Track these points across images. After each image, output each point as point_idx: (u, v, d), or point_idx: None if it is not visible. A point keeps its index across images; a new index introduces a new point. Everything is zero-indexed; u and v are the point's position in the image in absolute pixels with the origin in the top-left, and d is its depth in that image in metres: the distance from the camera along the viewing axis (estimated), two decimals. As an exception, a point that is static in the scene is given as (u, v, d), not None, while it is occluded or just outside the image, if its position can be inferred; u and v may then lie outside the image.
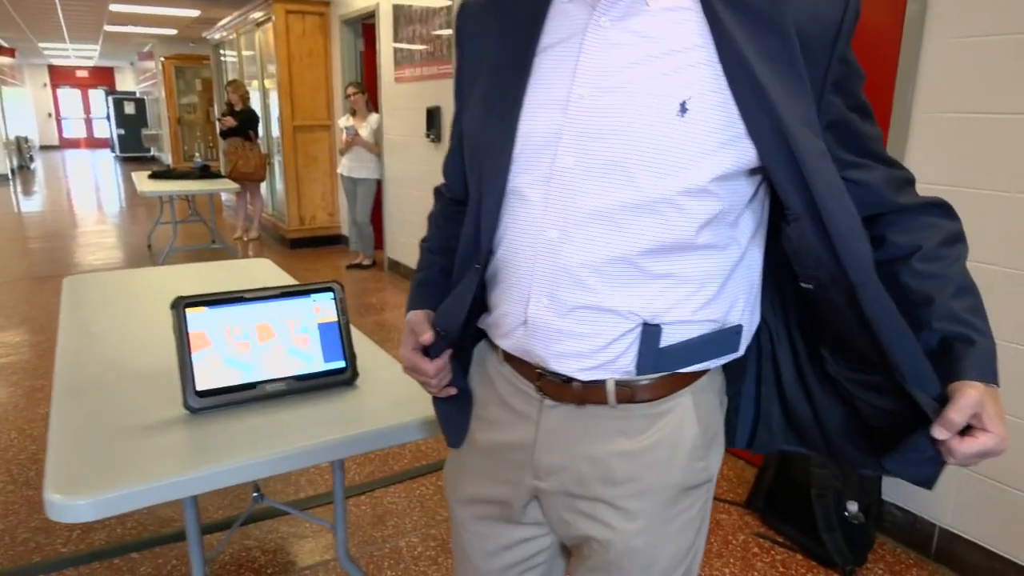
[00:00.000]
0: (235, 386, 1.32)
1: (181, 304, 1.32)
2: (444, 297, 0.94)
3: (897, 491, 2.23)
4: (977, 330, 0.76)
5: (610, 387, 0.82)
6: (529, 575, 0.97)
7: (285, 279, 2.24)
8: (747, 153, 0.74)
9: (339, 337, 1.41)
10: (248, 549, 2.16)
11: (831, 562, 2.11)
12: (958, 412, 0.71)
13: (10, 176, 12.71)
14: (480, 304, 0.90)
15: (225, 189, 5.75)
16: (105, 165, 15.24)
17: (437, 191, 1.06)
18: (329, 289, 1.44)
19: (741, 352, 0.86)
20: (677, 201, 0.74)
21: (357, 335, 1.63)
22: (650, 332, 0.79)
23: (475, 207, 0.85)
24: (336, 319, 1.42)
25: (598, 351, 0.80)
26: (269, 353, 1.36)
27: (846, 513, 2.10)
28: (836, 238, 0.72)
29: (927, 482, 0.77)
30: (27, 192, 10.58)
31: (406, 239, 5.55)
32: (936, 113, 2.01)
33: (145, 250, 6.55)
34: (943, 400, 0.73)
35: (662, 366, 0.81)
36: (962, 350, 0.75)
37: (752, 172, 0.77)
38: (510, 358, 0.89)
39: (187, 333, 1.30)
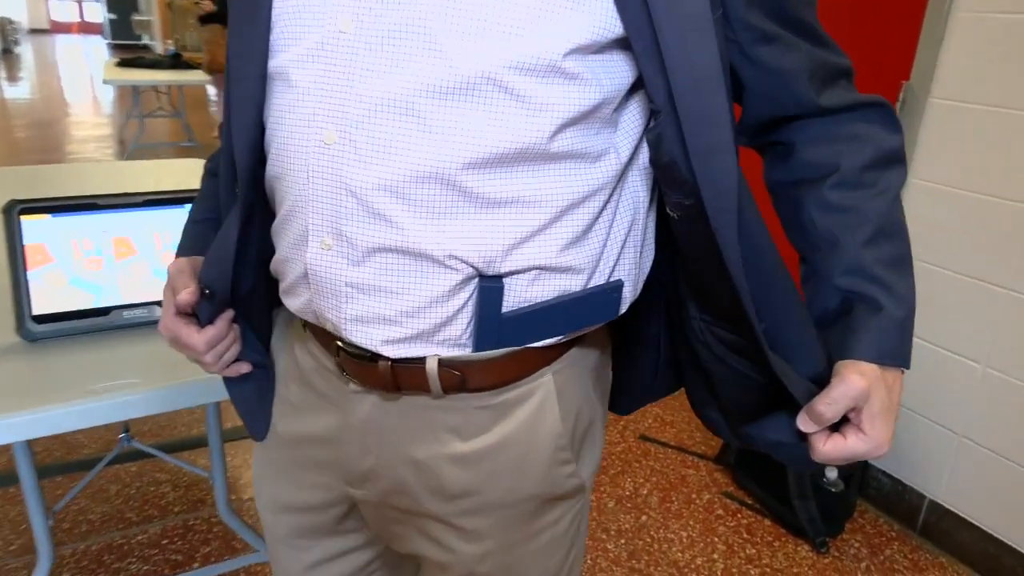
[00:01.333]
0: (82, 311, 1.22)
1: (15, 209, 1.20)
2: None
3: (887, 457, 2.13)
4: (888, 291, 0.63)
5: (431, 369, 0.65)
6: None
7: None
8: (607, 15, 0.57)
9: None
10: (114, 495, 2.11)
11: (802, 531, 2.02)
12: (828, 405, 0.61)
13: (-9, 60, 12.59)
14: (252, 242, 0.74)
15: (194, 82, 5.57)
16: (98, 53, 15.01)
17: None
18: None
19: (619, 314, 0.71)
20: (510, 82, 0.56)
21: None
22: (487, 290, 0.62)
23: (227, 100, 0.68)
24: None
25: (410, 315, 0.63)
26: (127, 273, 1.25)
27: (824, 480, 2.00)
28: (689, 146, 0.58)
29: (797, 464, 0.68)
30: (12, 79, 10.45)
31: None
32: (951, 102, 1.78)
33: (117, 145, 6.45)
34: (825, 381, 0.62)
35: (507, 339, 0.64)
36: (862, 317, 0.63)
37: (626, 46, 0.60)
38: (311, 325, 0.74)
39: (22, 245, 1.19)
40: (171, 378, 1.09)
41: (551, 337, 0.67)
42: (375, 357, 0.65)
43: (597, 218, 0.64)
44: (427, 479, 0.70)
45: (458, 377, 0.65)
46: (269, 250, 0.72)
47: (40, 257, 1.20)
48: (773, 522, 2.10)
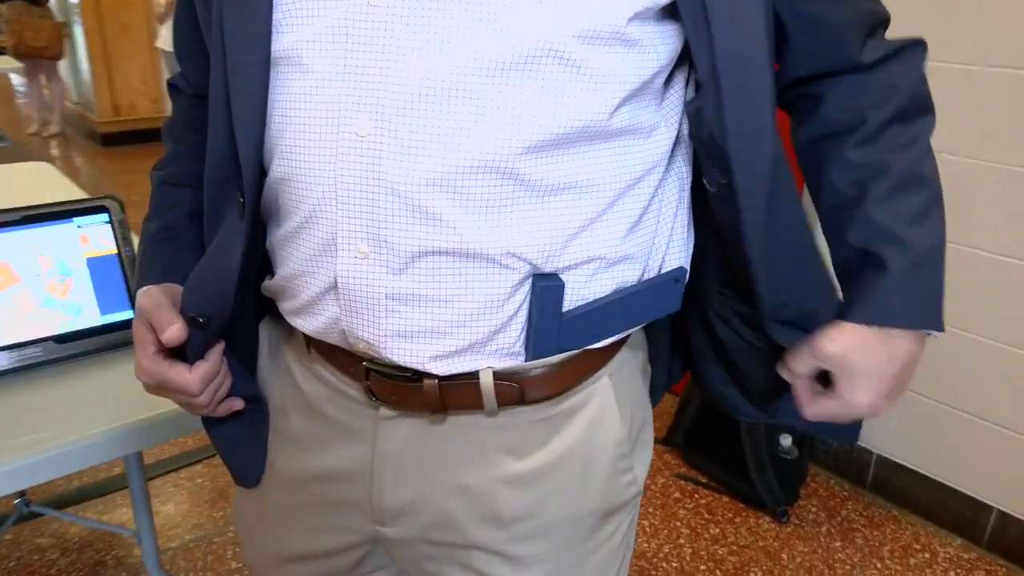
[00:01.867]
0: (-43, 358, 0.98)
1: None
2: (199, 258, 0.70)
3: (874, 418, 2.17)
4: (902, 247, 0.62)
5: (486, 383, 0.62)
6: None
7: (68, 192, 1.84)
8: None
9: (122, 276, 1.11)
10: (18, 559, 1.84)
11: (761, 503, 2.04)
12: (796, 361, 0.66)
13: None
14: (256, 258, 0.68)
15: (4, 69, 4.96)
16: None
17: (172, 86, 0.81)
18: (101, 209, 1.12)
19: (679, 306, 0.70)
20: (573, 53, 0.53)
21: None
22: (547, 289, 0.59)
23: (221, 94, 0.61)
24: (115, 251, 1.11)
25: (460, 324, 0.59)
26: (11, 306, 1.04)
27: (779, 448, 2.02)
28: (728, 124, 0.58)
29: (846, 438, 0.73)
30: None
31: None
32: None
33: (-95, 150, 5.68)
34: None
35: (566, 342, 0.62)
36: (865, 279, 0.64)
37: (674, 14, 0.59)
38: (318, 344, 0.68)
39: None
40: (86, 427, 0.92)
41: (612, 335, 0.66)
42: (417, 376, 0.62)
43: (651, 200, 0.64)
44: (479, 507, 0.66)
45: (515, 390, 0.63)
46: (266, 268, 0.69)
47: None
48: (731, 498, 2.11)
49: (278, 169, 0.60)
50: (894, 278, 0.62)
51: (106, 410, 0.95)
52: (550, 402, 0.65)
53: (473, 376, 0.62)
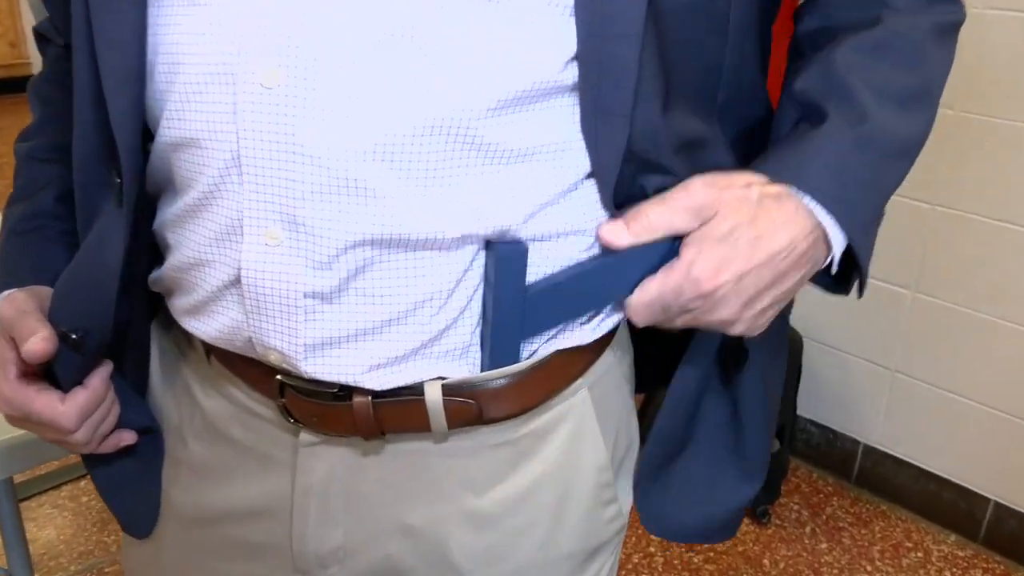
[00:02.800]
0: None
1: None
2: (72, 254, 0.63)
3: (814, 405, 2.16)
4: (851, 107, 0.55)
5: (433, 399, 0.56)
6: None
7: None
8: None
9: None
10: None
11: (739, 502, 1.96)
12: (651, 209, 0.54)
13: None
14: (143, 253, 0.62)
15: None
16: None
17: (38, 34, 0.73)
18: None
19: None
20: None
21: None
22: (507, 254, 0.53)
23: (84, 44, 0.54)
24: None
25: (401, 323, 0.53)
26: None
27: (759, 440, 1.94)
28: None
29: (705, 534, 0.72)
30: None
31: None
32: None
33: None
34: None
35: (535, 328, 0.56)
36: (795, 132, 0.58)
37: None
38: (219, 353, 0.62)
39: None
40: None
41: (590, 315, 0.58)
42: (346, 392, 0.56)
43: None
44: (427, 552, 0.61)
45: (470, 407, 0.56)
46: (156, 261, 0.62)
47: None
48: (706, 497, 2.04)
49: (168, 131, 0.53)
50: (827, 135, 0.55)
51: None
52: (515, 421, 0.59)
53: (416, 390, 0.55)
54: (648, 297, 0.54)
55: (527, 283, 0.54)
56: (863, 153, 0.55)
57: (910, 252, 1.88)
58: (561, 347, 0.58)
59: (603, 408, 0.63)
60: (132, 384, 0.68)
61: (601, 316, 0.59)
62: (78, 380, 0.61)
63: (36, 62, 6.16)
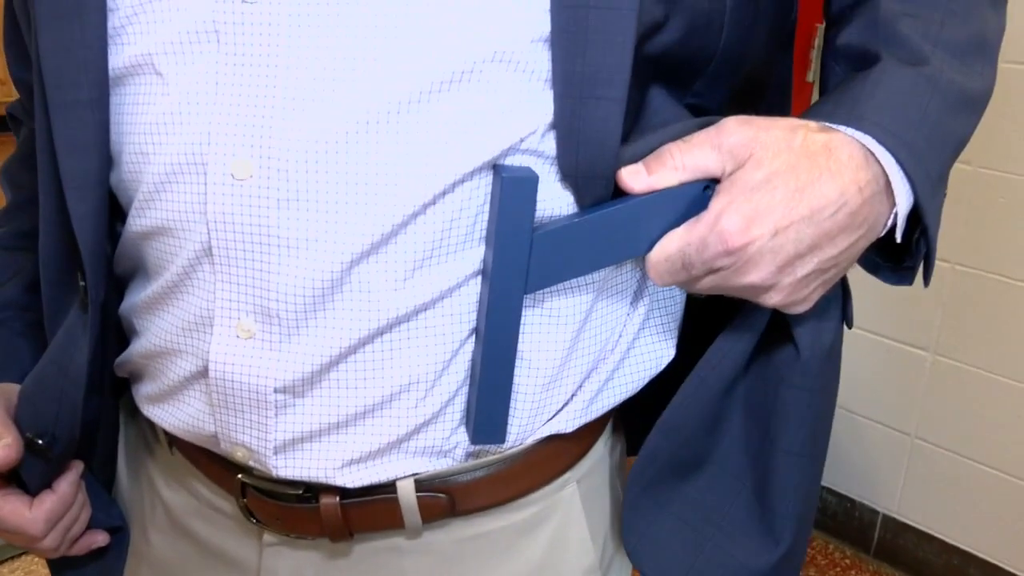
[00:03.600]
0: None
1: None
2: (40, 348, 0.63)
3: (830, 472, 2.15)
4: (906, 51, 0.50)
5: (406, 497, 0.55)
6: None
7: None
8: None
9: None
10: None
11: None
12: (684, 147, 0.48)
13: None
14: (109, 356, 0.62)
15: None
16: None
17: (12, 118, 0.74)
18: None
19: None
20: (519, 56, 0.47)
21: None
22: (514, 191, 0.48)
23: (46, 144, 0.54)
24: None
25: (379, 413, 0.52)
26: None
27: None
28: None
29: None
30: None
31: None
32: None
33: None
34: None
35: (541, 281, 0.50)
36: (846, 80, 0.52)
37: None
38: (181, 444, 0.61)
39: None
40: None
41: (581, 397, 0.56)
42: (311, 493, 0.55)
43: None
44: None
45: (441, 501, 0.55)
46: (123, 344, 0.62)
47: None
48: None
49: (138, 219, 0.53)
50: (884, 71, 0.49)
51: None
52: (494, 512, 0.57)
53: (388, 488, 0.54)
54: (669, 250, 0.48)
55: (534, 221, 0.49)
56: (925, 93, 0.48)
57: (928, 312, 1.89)
58: (543, 435, 0.56)
59: (592, 505, 0.61)
60: (101, 479, 0.68)
61: (588, 398, 0.57)
62: (46, 483, 0.61)
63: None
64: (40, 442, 0.59)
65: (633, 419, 0.66)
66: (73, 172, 0.52)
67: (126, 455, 0.70)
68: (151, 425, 0.64)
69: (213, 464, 0.59)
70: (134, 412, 0.66)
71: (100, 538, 0.66)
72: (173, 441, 0.62)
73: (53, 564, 0.69)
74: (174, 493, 0.64)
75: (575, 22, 0.45)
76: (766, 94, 0.59)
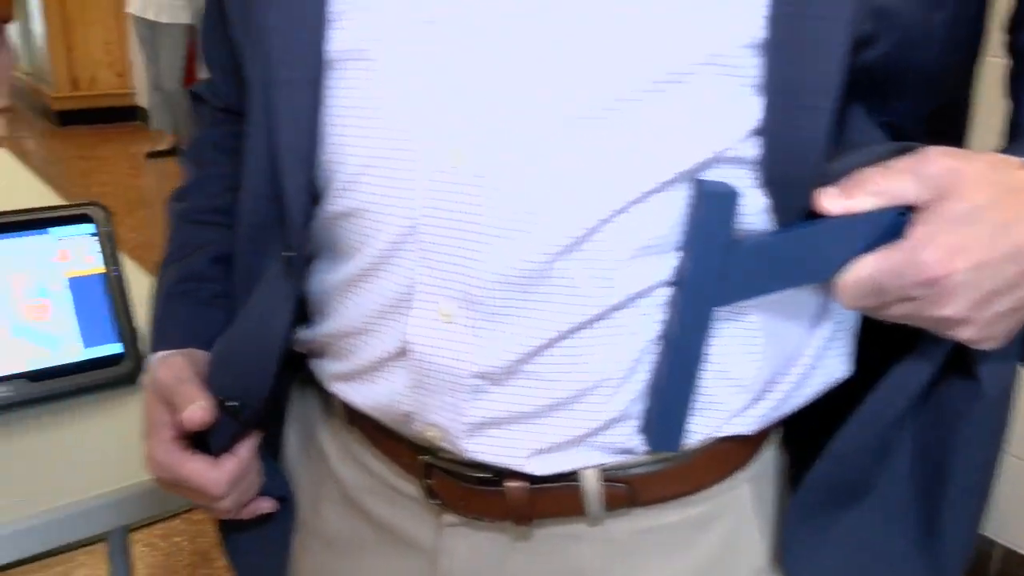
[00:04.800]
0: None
1: None
2: (229, 318, 0.68)
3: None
4: None
5: (590, 484, 0.57)
6: None
7: (31, 184, 1.83)
8: None
9: (108, 301, 1.09)
10: None
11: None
12: (883, 175, 0.49)
13: None
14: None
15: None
16: None
17: (195, 96, 0.79)
18: (84, 218, 1.10)
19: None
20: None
21: (143, 289, 1.27)
22: (713, 204, 0.50)
23: (260, 117, 0.59)
24: (102, 269, 1.10)
25: (573, 406, 0.55)
26: None
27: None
28: None
29: None
30: None
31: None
32: None
33: None
34: None
35: (730, 295, 0.53)
36: None
37: None
38: (363, 422, 0.64)
39: None
40: (62, 494, 0.88)
41: (760, 403, 0.58)
42: (498, 477, 0.57)
43: None
44: None
45: (623, 491, 0.58)
46: (301, 322, 0.65)
47: None
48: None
49: (337, 201, 0.57)
50: None
51: (88, 471, 0.92)
52: (670, 506, 0.59)
53: (572, 476, 0.57)
54: (862, 274, 0.49)
55: (730, 233, 0.51)
56: None
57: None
58: (722, 435, 0.58)
59: (762, 508, 0.63)
60: (269, 449, 0.72)
61: (770, 406, 0.59)
62: (227, 447, 0.66)
63: (141, 92, 6.55)
64: (233, 404, 0.64)
65: (795, 431, 0.67)
66: (289, 146, 0.57)
67: (295, 432, 0.74)
68: (326, 399, 0.69)
69: (394, 443, 0.62)
70: (303, 385, 0.72)
71: (266, 504, 0.71)
72: (353, 418, 0.66)
73: (224, 525, 0.74)
74: (348, 470, 0.67)
75: (792, 29, 0.47)
76: (956, 116, 0.61)
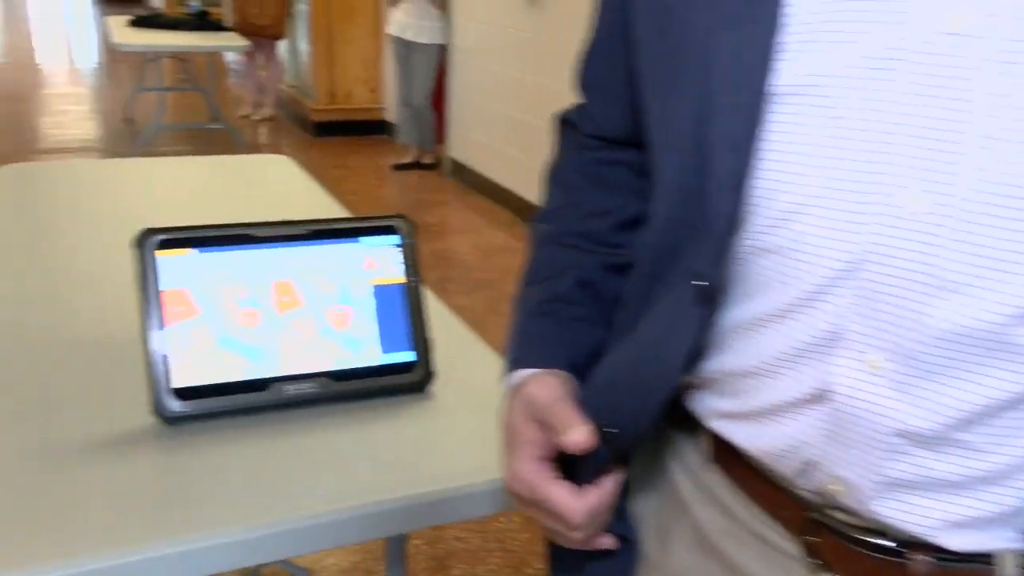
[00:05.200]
0: (235, 383, 1.08)
1: (150, 241, 1.07)
2: (594, 341, 0.69)
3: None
4: None
5: (1008, 569, 0.53)
6: None
7: (311, 189, 1.96)
8: None
9: (405, 311, 1.16)
10: None
11: None
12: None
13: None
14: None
15: (231, 47, 5.60)
16: (79, 6, 15.42)
17: (564, 122, 0.81)
18: (391, 229, 1.17)
19: None
20: None
21: (433, 303, 1.34)
22: None
23: (686, 143, 0.58)
24: (403, 279, 1.16)
25: (1002, 481, 0.52)
26: (291, 332, 1.11)
27: None
28: None
29: None
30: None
31: (479, 134, 5.40)
32: None
33: (121, 125, 6.57)
34: None
35: None
36: None
37: None
38: (734, 461, 0.63)
39: (158, 291, 1.06)
40: (355, 494, 0.92)
41: None
42: (903, 547, 0.55)
43: None
44: None
45: None
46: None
47: (182, 308, 1.07)
48: None
49: (761, 237, 0.56)
50: None
51: (372, 473, 0.96)
52: None
53: (985, 558, 0.54)
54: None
55: None
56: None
57: None
58: None
59: None
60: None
61: None
62: (592, 478, 0.65)
63: (390, 108, 6.92)
64: (612, 431, 0.63)
65: None
66: (722, 172, 0.56)
67: (640, 458, 0.72)
68: (685, 431, 0.68)
69: (772, 490, 0.61)
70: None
71: (608, 541, 0.70)
72: (720, 457, 0.65)
73: (557, 552, 0.73)
74: (704, 507, 0.66)
75: None
76: None
